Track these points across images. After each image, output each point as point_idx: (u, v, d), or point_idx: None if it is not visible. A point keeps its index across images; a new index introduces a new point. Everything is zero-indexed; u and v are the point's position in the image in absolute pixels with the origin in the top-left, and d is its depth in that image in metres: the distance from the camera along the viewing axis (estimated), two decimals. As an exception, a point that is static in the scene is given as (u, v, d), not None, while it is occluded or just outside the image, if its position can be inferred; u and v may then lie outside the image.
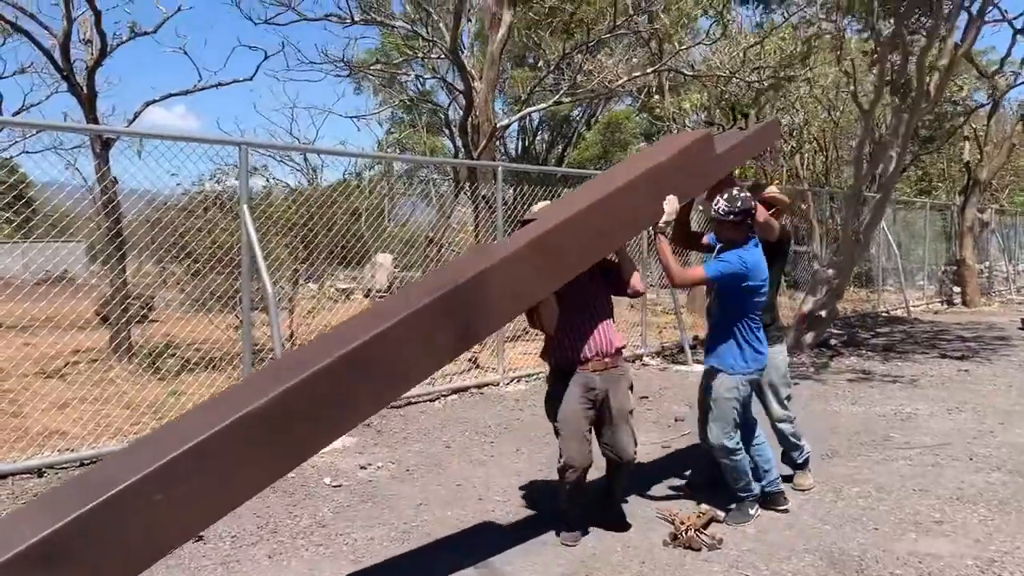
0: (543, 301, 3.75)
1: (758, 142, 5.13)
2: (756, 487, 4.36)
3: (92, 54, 10.71)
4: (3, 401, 7.24)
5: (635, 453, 4.13)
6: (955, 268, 18.29)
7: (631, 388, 4.16)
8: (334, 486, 4.98)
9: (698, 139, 4.24)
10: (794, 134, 22.89)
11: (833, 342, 11.02)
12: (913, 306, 15.87)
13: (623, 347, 4.15)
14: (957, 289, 18.01)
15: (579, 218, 3.65)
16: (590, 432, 4.03)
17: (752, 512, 4.33)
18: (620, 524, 4.21)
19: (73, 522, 2.28)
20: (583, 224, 3.66)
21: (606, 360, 4.02)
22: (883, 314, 15.30)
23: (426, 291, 3.23)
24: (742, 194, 4.16)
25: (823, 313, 10.66)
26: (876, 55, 11.07)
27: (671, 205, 4.06)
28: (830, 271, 10.69)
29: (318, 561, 3.86)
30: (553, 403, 4.07)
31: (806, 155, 23.87)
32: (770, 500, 4.46)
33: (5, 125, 16.54)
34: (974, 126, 19.07)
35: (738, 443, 4.27)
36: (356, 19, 11.56)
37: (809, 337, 10.64)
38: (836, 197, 18.14)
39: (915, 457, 5.50)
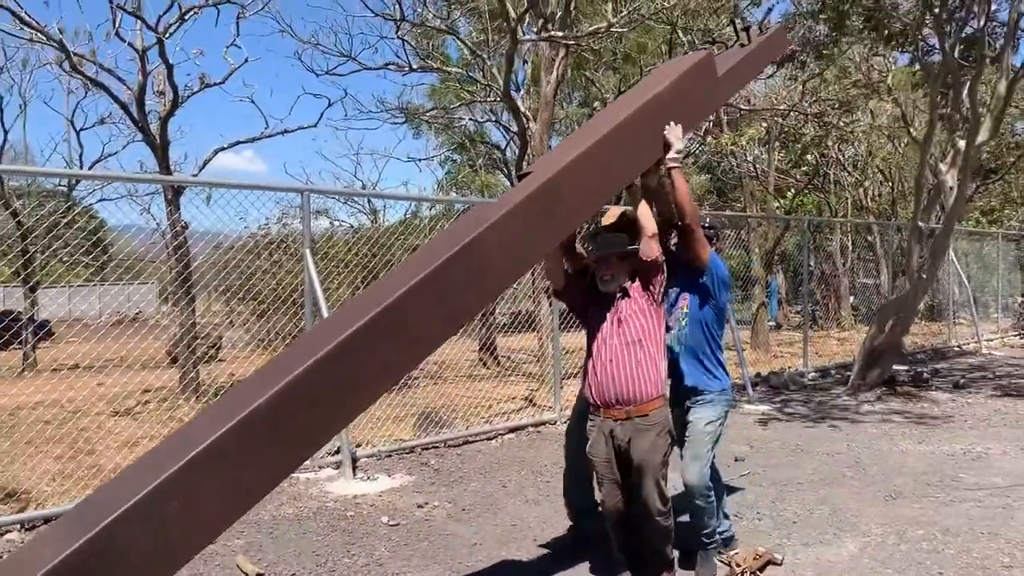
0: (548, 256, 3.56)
1: (765, 55, 4.69)
2: (718, 534, 4.12)
3: (165, 105, 11.27)
4: (80, 440, 7.53)
5: (663, 510, 3.64)
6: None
7: (670, 434, 3.71)
8: (391, 525, 5.05)
9: (697, 62, 3.89)
10: (858, 165, 22.57)
11: (901, 379, 10.70)
12: (987, 340, 15.33)
13: (656, 394, 3.64)
14: (1035, 322, 17.37)
15: (577, 164, 3.37)
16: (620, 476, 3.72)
17: (717, 561, 4.07)
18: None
19: (93, 538, 2.27)
20: (581, 170, 3.38)
21: (628, 408, 3.60)
22: (955, 349, 14.80)
23: (424, 262, 3.05)
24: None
25: (888, 349, 10.40)
26: (927, 88, 10.92)
27: (675, 133, 3.68)
28: (893, 306, 10.47)
29: (374, 600, 3.92)
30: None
31: (870, 186, 23.46)
32: (728, 544, 4.29)
33: (87, 178, 17.43)
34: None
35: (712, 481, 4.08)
36: (414, 67, 11.90)
37: (875, 373, 10.37)
38: (904, 229, 17.75)
39: (985, 499, 5.31)
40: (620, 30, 11.21)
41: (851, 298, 21.95)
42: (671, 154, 3.69)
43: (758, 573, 4.00)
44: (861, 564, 4.18)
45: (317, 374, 2.67)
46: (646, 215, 3.66)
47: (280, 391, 2.60)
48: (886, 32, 10.42)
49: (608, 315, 3.71)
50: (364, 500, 5.61)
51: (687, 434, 4.01)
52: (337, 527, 5.02)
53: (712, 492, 4.01)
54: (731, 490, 5.47)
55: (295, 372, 2.64)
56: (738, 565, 4.03)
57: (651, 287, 3.69)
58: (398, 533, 4.90)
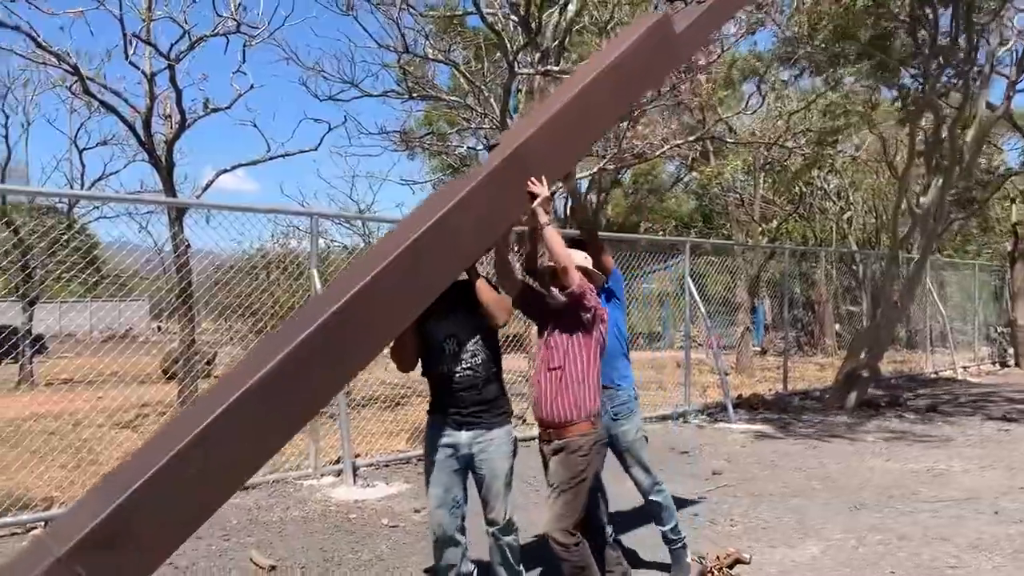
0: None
1: (725, 9, 4.65)
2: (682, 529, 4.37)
3: (172, 128, 11.66)
4: (83, 450, 7.83)
5: (559, 539, 3.67)
6: (1009, 329, 18.17)
7: (586, 459, 3.61)
8: (391, 526, 5.42)
9: (653, 24, 3.94)
10: (842, 195, 23.16)
11: (877, 401, 11.14)
12: (963, 367, 15.82)
13: (577, 419, 3.59)
14: (1012, 351, 17.86)
15: (541, 133, 3.50)
16: None
17: (688, 560, 4.33)
18: None
19: (124, 503, 2.51)
20: (546, 138, 3.51)
21: (550, 431, 3.69)
22: (931, 375, 15.28)
23: (396, 244, 3.22)
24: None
25: (864, 373, 10.85)
26: (908, 121, 11.43)
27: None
28: (871, 332, 10.92)
29: (377, 590, 4.28)
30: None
31: (854, 216, 24.04)
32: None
33: (94, 199, 17.71)
34: (1020, 187, 19.11)
35: None
36: (413, 95, 12.37)
37: (852, 396, 10.80)
38: (885, 258, 18.24)
39: (941, 509, 5.72)
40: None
41: (836, 325, 22.42)
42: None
43: (727, 570, 4.38)
44: (821, 564, 4.59)
45: (319, 337, 2.93)
46: (555, 249, 3.52)
47: (289, 353, 2.86)
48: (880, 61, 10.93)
49: (543, 336, 3.73)
50: (365, 504, 5.98)
51: (624, 446, 4.30)
52: (341, 527, 5.39)
53: (663, 485, 4.36)
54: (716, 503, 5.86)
55: (295, 341, 2.90)
56: (702, 560, 4.41)
57: (578, 314, 3.59)
58: (398, 534, 5.27)
